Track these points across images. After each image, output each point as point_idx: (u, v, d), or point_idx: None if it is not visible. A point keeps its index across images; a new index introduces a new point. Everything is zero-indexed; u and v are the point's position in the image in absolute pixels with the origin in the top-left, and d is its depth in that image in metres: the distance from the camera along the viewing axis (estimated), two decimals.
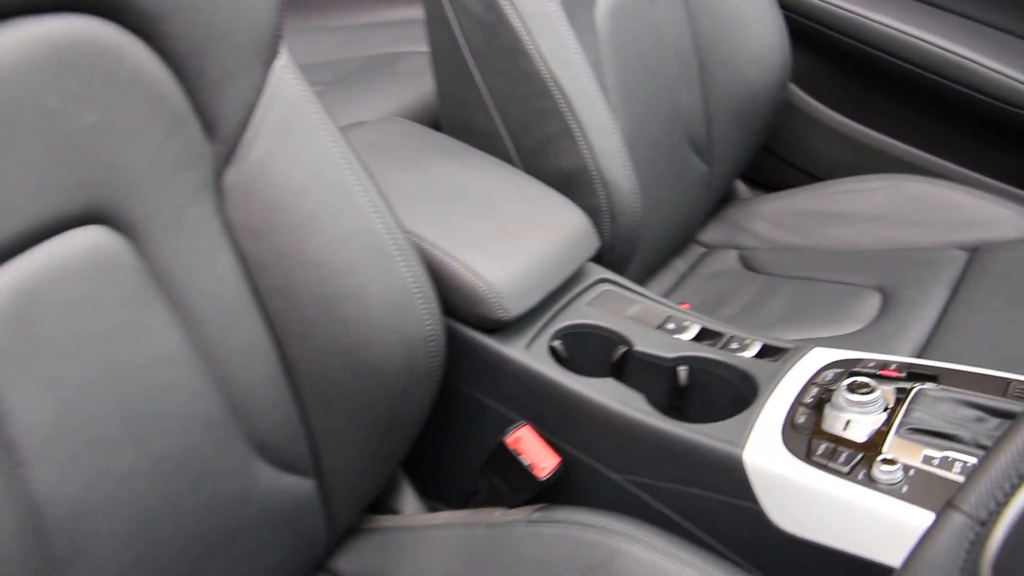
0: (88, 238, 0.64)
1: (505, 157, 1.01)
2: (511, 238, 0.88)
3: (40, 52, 0.60)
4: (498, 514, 0.81)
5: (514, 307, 0.84)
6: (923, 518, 0.65)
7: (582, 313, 0.89)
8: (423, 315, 0.79)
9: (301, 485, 0.77)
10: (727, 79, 1.27)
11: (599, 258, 0.97)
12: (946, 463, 0.68)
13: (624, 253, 1.04)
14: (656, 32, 1.18)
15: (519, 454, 0.81)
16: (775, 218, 1.40)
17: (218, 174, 0.72)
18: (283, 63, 0.75)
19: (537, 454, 0.81)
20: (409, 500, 0.92)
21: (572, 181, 0.98)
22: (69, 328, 0.62)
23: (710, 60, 1.26)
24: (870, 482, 0.68)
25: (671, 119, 1.20)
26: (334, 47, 1.63)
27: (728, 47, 1.26)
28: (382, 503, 0.91)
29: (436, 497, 0.94)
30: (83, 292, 0.63)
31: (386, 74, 1.50)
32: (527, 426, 0.82)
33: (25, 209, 0.60)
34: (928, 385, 0.75)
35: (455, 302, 0.84)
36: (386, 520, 0.88)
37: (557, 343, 0.87)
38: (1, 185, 0.58)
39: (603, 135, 0.98)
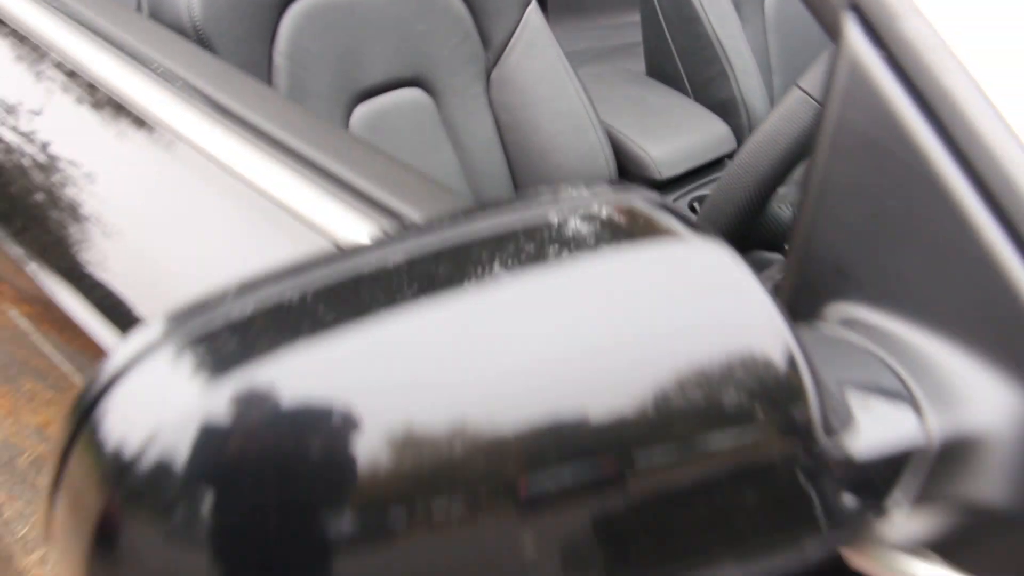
0: (412, 94, 1.19)
1: (682, 91, 1.47)
2: (672, 131, 1.34)
3: None
4: None
5: (666, 171, 1.29)
6: None
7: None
8: (603, 168, 1.26)
9: None
10: None
11: None
12: None
13: None
14: None
15: None
16: None
17: (488, 71, 1.25)
18: (532, 7, 1.26)
19: None
20: None
21: (725, 107, 1.42)
22: (395, 143, 1.16)
23: None
24: None
25: None
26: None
27: None
28: None
29: None
30: (406, 123, 1.18)
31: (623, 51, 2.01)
32: None
33: (384, 71, 1.16)
34: None
35: (627, 167, 1.31)
36: None
37: (695, 203, 1.31)
38: (373, 58, 1.14)
39: (748, 77, 1.41)
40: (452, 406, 0.29)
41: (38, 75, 0.76)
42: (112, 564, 0.28)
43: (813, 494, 0.33)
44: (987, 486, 0.36)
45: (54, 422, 0.82)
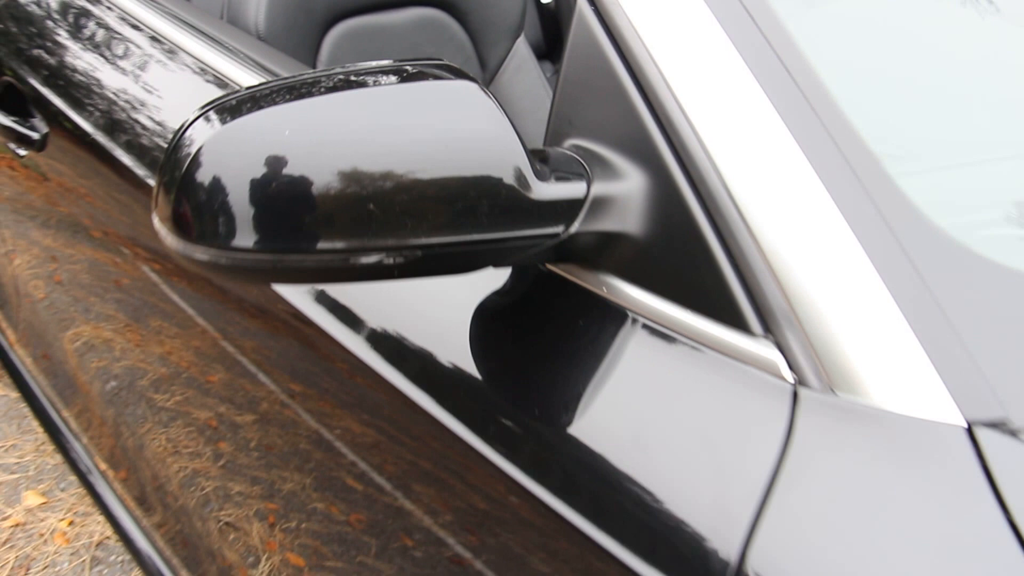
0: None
1: None
2: None
3: (414, 20, 1.52)
4: None
5: None
6: None
7: None
8: None
9: None
10: None
11: None
12: None
13: None
14: None
15: None
16: None
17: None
18: (521, 40, 1.62)
19: None
20: None
21: None
22: None
23: None
24: None
25: None
26: None
27: None
28: None
29: None
30: None
31: None
32: None
33: None
34: None
35: None
36: None
37: None
38: None
39: None
40: (345, 151, 0.61)
41: (162, 63, 1.15)
42: (183, 216, 0.61)
43: (522, 215, 0.65)
44: (624, 222, 0.67)
45: (175, 352, 1.16)
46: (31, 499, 1.92)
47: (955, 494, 0.54)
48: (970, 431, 0.55)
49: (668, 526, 0.60)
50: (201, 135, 0.61)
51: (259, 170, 0.60)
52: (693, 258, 0.65)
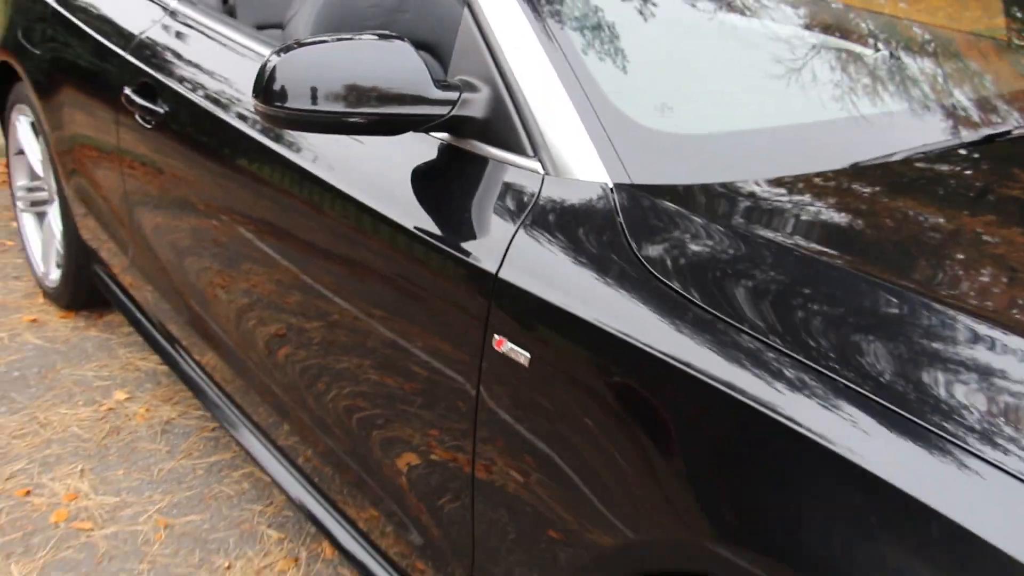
0: None
1: None
2: None
3: None
4: None
5: None
6: None
7: None
8: None
9: None
10: None
11: None
12: None
13: None
14: None
15: None
16: None
17: None
18: None
19: None
20: None
21: None
22: None
23: None
24: None
25: None
26: None
27: None
28: None
29: None
30: None
31: None
32: None
33: None
34: None
35: None
36: None
37: None
38: None
39: None
40: (341, 71, 1.32)
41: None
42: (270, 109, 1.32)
43: (427, 103, 1.35)
44: (475, 110, 1.38)
45: (260, 285, 1.89)
46: (119, 395, 2.61)
47: (605, 217, 1.22)
48: (616, 188, 1.24)
49: (463, 246, 1.29)
50: (275, 59, 1.32)
51: (298, 74, 1.31)
52: (506, 124, 1.35)
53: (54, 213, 2.95)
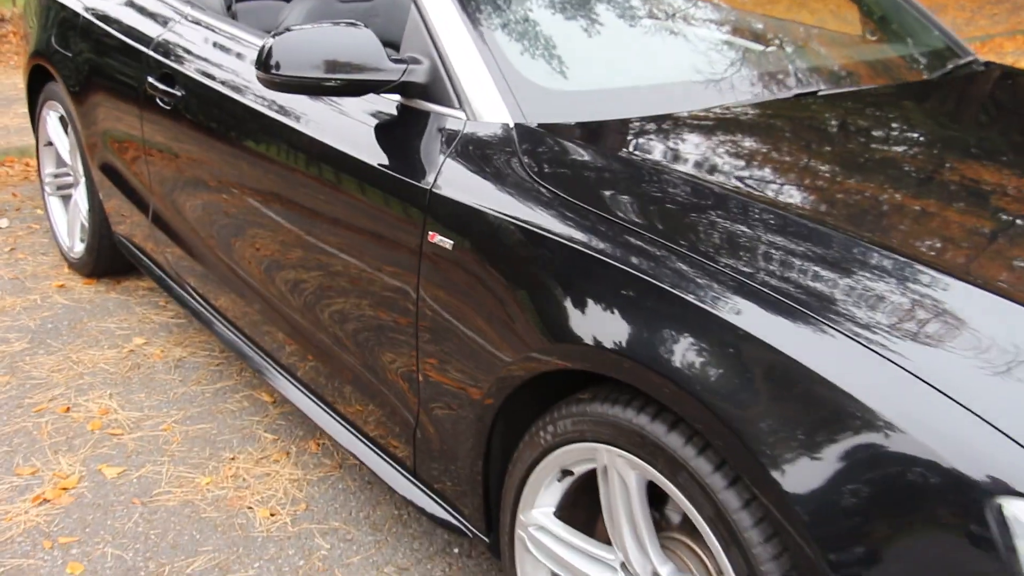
0: None
1: None
2: None
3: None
4: None
5: None
6: None
7: None
8: None
9: None
10: None
11: None
12: None
13: None
14: None
15: None
16: None
17: None
18: None
19: None
20: None
21: None
22: None
23: None
24: None
25: None
26: None
27: None
28: None
29: None
30: None
31: None
32: None
33: None
34: None
35: None
36: None
37: None
38: None
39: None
40: (316, 47, 1.83)
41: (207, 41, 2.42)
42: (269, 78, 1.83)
43: (382, 72, 1.86)
44: (418, 76, 1.89)
45: (265, 246, 2.40)
46: (137, 340, 3.10)
47: (507, 145, 1.73)
48: (516, 126, 1.75)
49: (410, 172, 1.79)
50: (272, 40, 1.83)
51: (289, 50, 1.82)
52: (441, 86, 1.86)
53: (80, 194, 3.45)
